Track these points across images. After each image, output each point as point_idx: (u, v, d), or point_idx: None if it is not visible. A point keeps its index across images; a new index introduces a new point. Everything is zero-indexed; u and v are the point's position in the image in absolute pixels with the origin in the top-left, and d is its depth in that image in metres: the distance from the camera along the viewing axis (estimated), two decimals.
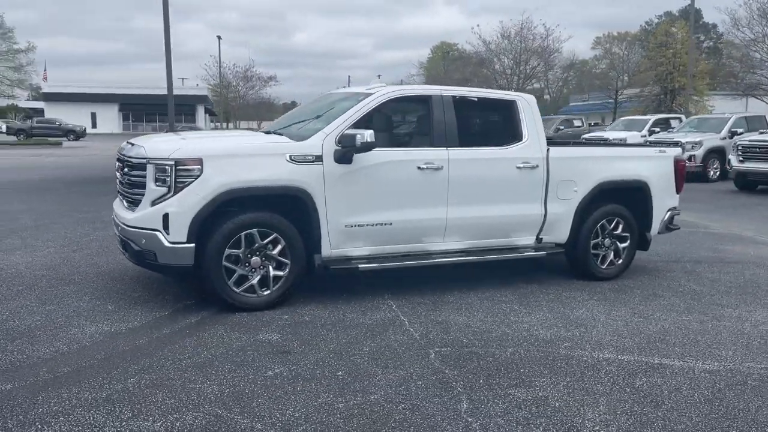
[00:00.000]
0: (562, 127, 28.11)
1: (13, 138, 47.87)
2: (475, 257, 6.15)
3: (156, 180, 5.04)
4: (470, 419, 3.49)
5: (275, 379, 3.93)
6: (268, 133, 6.10)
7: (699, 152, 18.07)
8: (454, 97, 6.06)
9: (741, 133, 17.59)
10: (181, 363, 4.14)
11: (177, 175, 4.97)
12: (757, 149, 15.24)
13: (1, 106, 68.64)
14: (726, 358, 4.52)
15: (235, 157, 5.19)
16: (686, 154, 17.91)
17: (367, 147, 5.31)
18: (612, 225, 6.71)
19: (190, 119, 61.82)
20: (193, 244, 4.99)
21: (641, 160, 6.90)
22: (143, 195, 5.13)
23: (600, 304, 5.79)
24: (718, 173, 18.37)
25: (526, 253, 6.37)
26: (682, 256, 7.99)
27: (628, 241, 6.80)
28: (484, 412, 3.58)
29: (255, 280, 5.24)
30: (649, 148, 7.57)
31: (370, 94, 5.79)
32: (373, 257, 5.69)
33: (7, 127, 53.57)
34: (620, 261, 6.79)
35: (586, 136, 22.92)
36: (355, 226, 5.53)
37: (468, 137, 6.10)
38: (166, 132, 14.43)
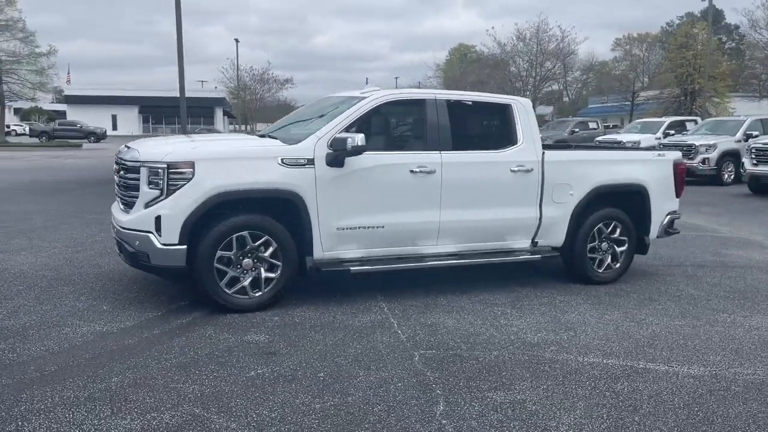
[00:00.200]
0: (577, 130, 27.92)
1: (35, 140, 48.76)
2: (469, 260, 6.15)
3: (149, 183, 5.13)
4: (444, 421, 3.52)
5: (256, 380, 3.99)
6: (262, 136, 6.17)
7: (713, 155, 17.87)
8: (448, 100, 6.09)
9: (756, 136, 17.36)
10: (167, 363, 4.21)
11: (169, 177, 5.05)
12: None
13: (25, 108, 69.91)
14: (713, 363, 4.49)
15: (226, 161, 5.27)
16: (700, 157, 17.81)
17: (357, 151, 5.36)
18: (609, 229, 6.68)
19: (208, 121, 62.39)
20: (185, 246, 5.07)
21: (639, 163, 6.86)
22: (137, 197, 5.22)
23: (593, 308, 5.78)
24: (732, 176, 18.13)
25: (521, 257, 6.37)
26: (684, 260, 7.93)
27: (626, 245, 6.76)
28: (459, 415, 3.60)
29: (246, 282, 5.31)
30: (648, 152, 7.52)
31: (364, 98, 5.84)
32: (365, 260, 5.73)
33: (30, 129, 54.54)
34: (618, 265, 6.76)
35: (600, 138, 22.79)
36: (347, 228, 5.58)
37: (462, 141, 6.12)
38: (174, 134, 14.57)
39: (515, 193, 6.22)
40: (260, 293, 5.36)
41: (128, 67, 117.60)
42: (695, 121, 23.43)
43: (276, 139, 5.77)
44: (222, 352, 4.43)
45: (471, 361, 4.42)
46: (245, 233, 5.25)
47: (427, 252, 6.00)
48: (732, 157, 18.11)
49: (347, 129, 5.55)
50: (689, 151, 18.03)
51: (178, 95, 18.01)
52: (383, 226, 5.69)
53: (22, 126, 65.00)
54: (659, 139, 20.79)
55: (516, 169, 6.16)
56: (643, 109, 48.77)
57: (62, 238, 8.44)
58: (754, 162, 15.35)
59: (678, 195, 7.06)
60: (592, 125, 29.96)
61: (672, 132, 21.73)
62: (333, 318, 5.28)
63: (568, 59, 49.59)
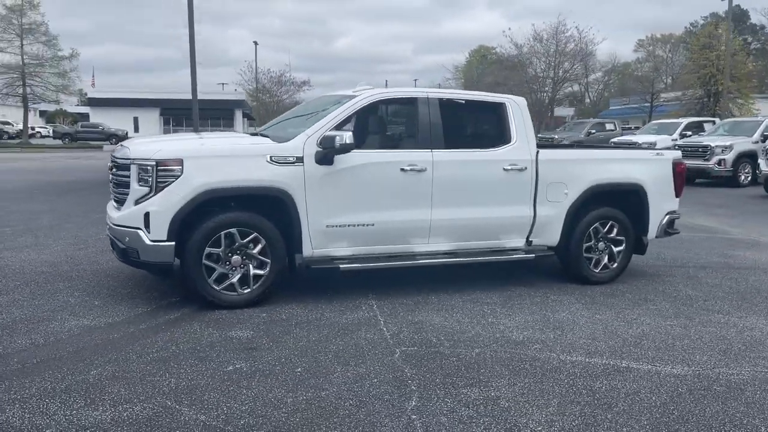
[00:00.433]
0: (593, 131, 27.67)
1: (59, 141, 49.59)
2: (462, 259, 6.14)
3: (139, 180, 5.20)
4: (414, 417, 3.51)
5: (233, 374, 4.02)
6: (254, 134, 6.22)
7: (729, 156, 17.60)
8: (440, 99, 6.08)
9: None
10: (147, 357, 4.26)
11: (158, 175, 5.12)
12: None
13: (50, 111, 71.12)
14: (698, 363, 4.43)
15: (215, 158, 5.32)
16: (716, 158, 17.55)
17: (345, 149, 5.38)
18: (606, 228, 6.61)
19: (228, 123, 62.84)
20: (173, 242, 5.13)
21: (636, 162, 6.79)
22: (129, 194, 5.30)
23: (585, 308, 5.72)
24: (749, 178, 17.83)
25: (515, 256, 6.34)
26: (687, 261, 7.83)
27: (624, 245, 6.68)
28: (430, 411, 3.59)
29: (235, 279, 5.35)
30: (646, 151, 7.44)
31: (354, 97, 5.86)
32: (355, 258, 5.74)
33: (54, 131, 55.49)
34: (615, 265, 6.68)
35: (615, 139, 22.53)
36: (337, 226, 5.59)
37: (454, 139, 6.10)
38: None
39: (508, 192, 6.18)
40: (249, 290, 5.40)
41: (153, 70, 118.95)
42: (713, 122, 23.08)
43: (267, 137, 5.81)
44: (204, 347, 4.47)
45: (452, 358, 4.40)
46: (233, 230, 5.29)
47: (419, 250, 5.99)
48: (749, 158, 17.81)
49: (337, 127, 5.57)
50: (705, 152, 17.79)
51: (198, 97, 18.25)
52: (373, 224, 5.70)
53: (46, 128, 66.18)
54: (676, 140, 20.51)
55: (509, 167, 6.13)
56: (664, 110, 48.13)
57: (66, 236, 8.58)
58: None
59: (678, 195, 6.96)
60: (609, 126, 29.64)
61: (689, 133, 21.42)
62: (321, 315, 5.30)
63: (586, 60, 49.13)
